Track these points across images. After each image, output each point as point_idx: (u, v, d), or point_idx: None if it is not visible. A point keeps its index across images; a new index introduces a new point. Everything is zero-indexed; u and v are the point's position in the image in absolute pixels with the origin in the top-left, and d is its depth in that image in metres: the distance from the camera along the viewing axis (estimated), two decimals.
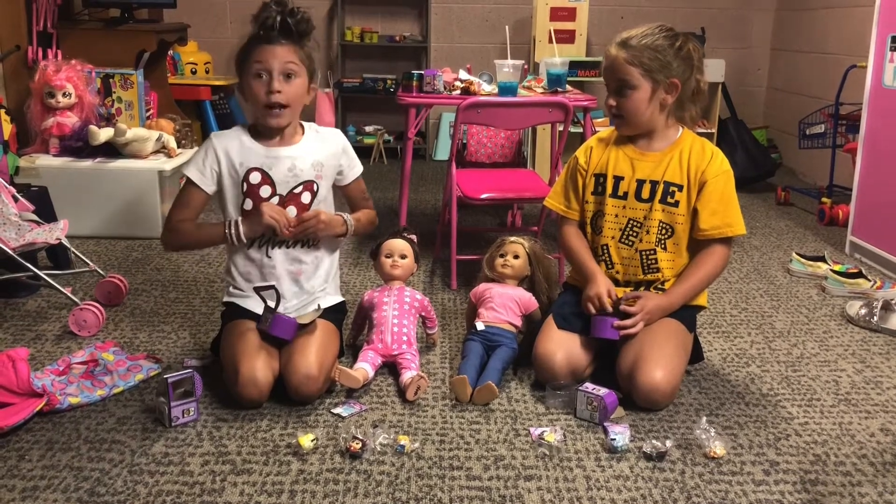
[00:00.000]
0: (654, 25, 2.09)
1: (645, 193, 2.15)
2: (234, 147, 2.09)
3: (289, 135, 2.12)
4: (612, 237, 2.20)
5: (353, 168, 2.24)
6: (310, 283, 2.18)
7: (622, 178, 2.18)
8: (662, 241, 2.16)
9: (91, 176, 3.48)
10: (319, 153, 2.15)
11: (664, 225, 2.15)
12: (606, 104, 2.15)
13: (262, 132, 2.11)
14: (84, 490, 1.66)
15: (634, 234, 2.17)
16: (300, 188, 2.12)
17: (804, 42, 5.38)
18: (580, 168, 2.26)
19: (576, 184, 2.27)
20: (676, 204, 2.14)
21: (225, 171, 2.08)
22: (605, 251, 2.21)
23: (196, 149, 2.12)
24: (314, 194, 2.14)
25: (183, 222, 2.10)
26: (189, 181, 2.09)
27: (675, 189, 2.13)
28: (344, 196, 2.29)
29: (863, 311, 2.71)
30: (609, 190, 2.19)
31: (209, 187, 2.09)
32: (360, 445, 1.79)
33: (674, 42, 2.06)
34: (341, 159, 2.20)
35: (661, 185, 2.14)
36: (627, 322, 2.07)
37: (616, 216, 2.19)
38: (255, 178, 2.08)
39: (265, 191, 2.09)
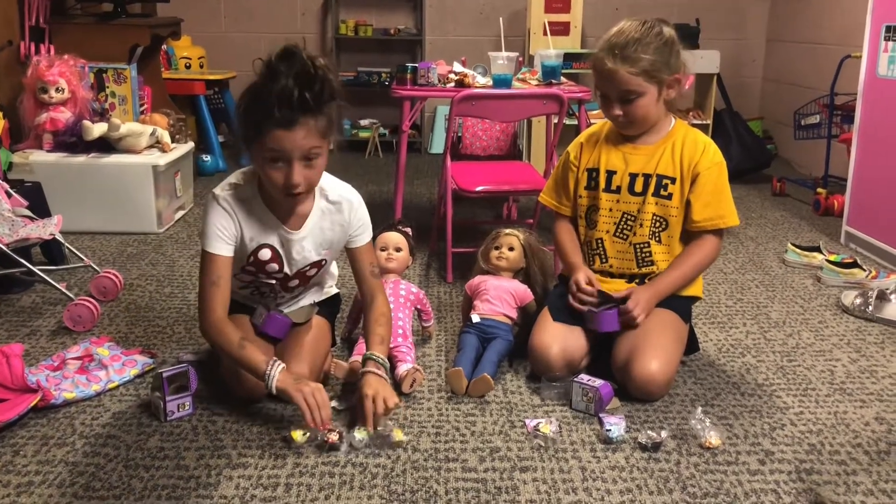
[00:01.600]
0: (638, 24, 2.03)
1: (638, 187, 2.15)
2: (245, 216, 1.90)
3: (302, 206, 1.94)
4: (607, 231, 2.19)
5: (361, 235, 2.03)
6: (310, 299, 2.19)
7: (615, 173, 2.17)
8: (657, 234, 2.16)
9: (85, 171, 3.47)
10: (327, 230, 1.98)
11: (658, 218, 2.15)
12: (612, 114, 2.09)
13: (273, 198, 1.90)
14: (79, 485, 1.66)
15: (629, 227, 2.17)
16: (308, 267, 2.02)
17: (799, 32, 5.37)
18: (570, 164, 2.26)
19: (566, 180, 2.27)
20: (670, 196, 2.13)
21: (238, 238, 1.92)
22: (600, 245, 2.21)
23: (207, 216, 1.89)
24: (320, 268, 2.06)
25: (223, 318, 1.88)
26: (214, 257, 1.88)
27: (668, 182, 2.13)
28: (350, 262, 2.08)
29: (858, 301, 2.71)
30: (602, 184, 2.18)
31: (232, 251, 1.91)
32: (337, 437, 1.79)
33: (662, 36, 2.03)
34: (349, 229, 2.01)
35: (654, 179, 2.13)
36: (634, 321, 2.07)
37: (610, 210, 2.18)
38: (265, 254, 1.94)
39: (272, 267, 1.97)
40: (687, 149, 2.12)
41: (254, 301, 2.09)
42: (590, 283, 2.14)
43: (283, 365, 1.85)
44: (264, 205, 1.92)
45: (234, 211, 1.89)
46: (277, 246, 1.95)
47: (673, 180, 2.12)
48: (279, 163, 1.76)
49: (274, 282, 2.03)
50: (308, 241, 1.97)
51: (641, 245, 2.17)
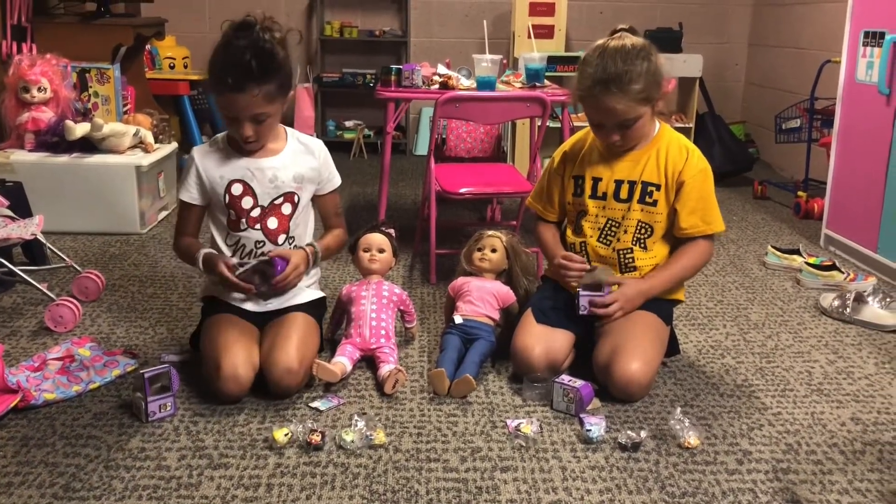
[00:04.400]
0: (617, 48, 2.00)
1: (623, 193, 2.16)
2: (214, 160, 2.10)
3: (270, 144, 2.12)
4: (591, 236, 2.21)
5: (332, 181, 2.23)
6: (297, 299, 2.19)
7: (600, 179, 2.18)
8: (641, 241, 2.17)
9: (67, 171, 3.45)
10: (301, 165, 2.14)
11: (643, 224, 2.16)
12: (609, 140, 2.09)
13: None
14: (59, 486, 1.65)
15: (612, 233, 2.18)
16: (281, 199, 2.12)
17: (780, 37, 5.43)
18: (554, 174, 2.29)
19: (551, 190, 2.30)
20: (655, 203, 2.15)
21: (208, 185, 2.10)
22: (584, 249, 2.22)
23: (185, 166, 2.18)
24: (295, 206, 2.14)
25: (184, 238, 2.18)
26: (181, 202, 2.14)
27: (653, 188, 2.14)
28: (317, 207, 2.26)
29: (836, 303, 2.74)
30: (588, 191, 2.20)
31: (200, 202, 2.13)
32: (319, 438, 1.80)
33: (642, 53, 2.01)
34: (322, 171, 2.19)
35: (639, 186, 2.14)
36: (608, 309, 2.09)
37: (596, 216, 2.20)
38: (237, 189, 2.09)
39: (247, 202, 2.09)
40: (671, 156, 2.13)
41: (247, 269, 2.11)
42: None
43: (212, 250, 2.11)
44: (231, 147, 2.12)
45: (201, 158, 2.11)
46: (246, 179, 2.09)
47: (658, 187, 2.14)
48: (232, 119, 2.01)
49: (258, 228, 2.10)
50: (282, 172, 2.11)
51: (625, 251, 2.18)
